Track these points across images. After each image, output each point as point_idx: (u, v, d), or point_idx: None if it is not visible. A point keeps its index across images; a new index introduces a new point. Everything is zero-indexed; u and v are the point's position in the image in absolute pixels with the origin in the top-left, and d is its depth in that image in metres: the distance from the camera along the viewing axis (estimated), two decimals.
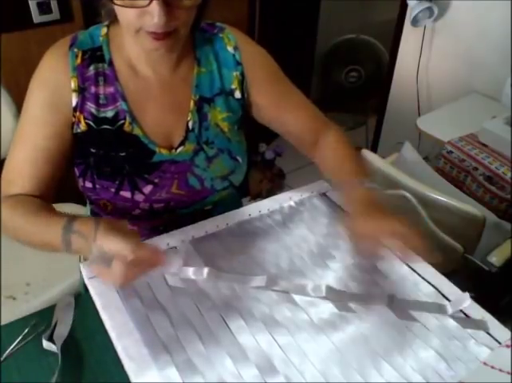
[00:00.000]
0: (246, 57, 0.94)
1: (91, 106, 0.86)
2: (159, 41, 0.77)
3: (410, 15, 2.06)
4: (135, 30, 0.77)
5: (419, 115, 2.18)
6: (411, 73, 2.25)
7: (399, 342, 0.74)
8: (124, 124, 0.87)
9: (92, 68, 0.86)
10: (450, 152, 1.70)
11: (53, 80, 0.84)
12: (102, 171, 0.88)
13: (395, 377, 0.69)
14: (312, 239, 0.92)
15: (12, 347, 0.74)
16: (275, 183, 2.65)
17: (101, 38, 0.87)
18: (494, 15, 1.91)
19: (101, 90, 0.86)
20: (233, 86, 0.94)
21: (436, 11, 2.00)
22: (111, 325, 0.73)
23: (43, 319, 0.78)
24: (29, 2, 1.56)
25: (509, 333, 0.76)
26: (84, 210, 1.55)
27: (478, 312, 0.79)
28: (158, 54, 0.85)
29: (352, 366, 0.70)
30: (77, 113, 0.86)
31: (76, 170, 0.92)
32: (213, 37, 0.93)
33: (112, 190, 0.89)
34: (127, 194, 0.89)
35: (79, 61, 0.85)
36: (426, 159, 1.74)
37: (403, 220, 0.80)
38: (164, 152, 0.90)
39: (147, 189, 0.90)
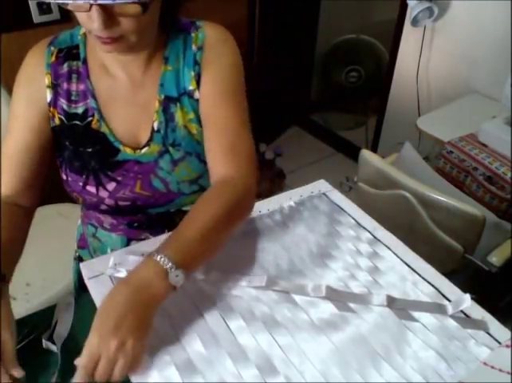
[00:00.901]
0: (207, 57, 0.88)
1: (63, 102, 0.88)
2: (106, 45, 0.78)
3: (410, 15, 2.06)
4: (88, 32, 0.79)
5: (419, 115, 2.18)
6: (411, 73, 2.25)
7: (399, 342, 0.74)
8: (92, 121, 0.89)
9: (65, 65, 0.88)
10: (450, 152, 1.70)
11: (30, 77, 0.89)
12: (73, 164, 0.91)
13: (395, 377, 0.69)
14: (312, 239, 0.92)
15: None
16: (275, 183, 2.65)
17: (79, 37, 0.89)
18: (494, 15, 1.91)
19: (73, 87, 0.89)
20: (191, 87, 0.88)
21: (436, 11, 2.00)
22: None
23: (43, 319, 0.78)
24: (29, 2, 1.56)
25: (509, 333, 0.76)
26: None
27: (478, 312, 0.79)
28: (117, 55, 0.86)
29: (352, 366, 0.70)
30: (51, 108, 0.88)
31: (57, 162, 0.94)
32: (186, 35, 0.91)
33: (80, 184, 0.91)
34: (92, 189, 0.91)
35: (53, 58, 0.88)
36: (426, 159, 1.74)
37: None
38: (129, 151, 0.90)
39: (111, 186, 0.91)
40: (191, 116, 0.89)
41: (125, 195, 0.92)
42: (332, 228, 0.95)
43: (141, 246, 0.88)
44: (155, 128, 0.89)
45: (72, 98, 0.88)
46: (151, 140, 0.90)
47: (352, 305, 0.79)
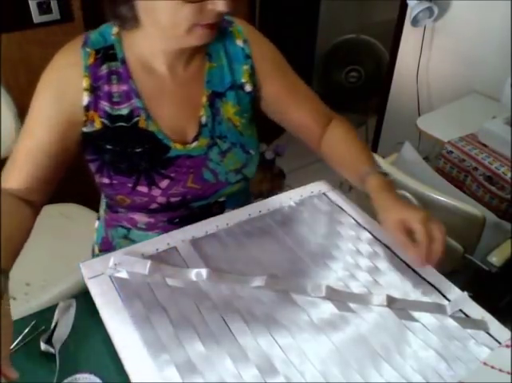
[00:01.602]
0: (255, 50, 0.95)
1: (105, 104, 0.87)
2: (211, 31, 0.80)
3: (410, 15, 2.06)
4: (188, 28, 0.78)
5: (419, 115, 2.18)
6: (411, 72, 2.25)
7: (399, 342, 0.74)
8: (139, 120, 0.89)
9: (104, 67, 0.86)
10: (450, 152, 1.70)
11: (63, 79, 0.85)
12: (118, 167, 0.90)
13: (395, 377, 0.69)
14: (312, 239, 0.92)
15: (12, 347, 0.74)
16: (275, 183, 2.65)
17: (113, 37, 0.88)
18: (494, 15, 1.91)
19: (115, 88, 0.87)
20: (243, 80, 0.95)
21: (436, 11, 2.00)
22: (111, 325, 0.73)
23: (43, 319, 0.78)
24: (29, 2, 1.56)
25: (509, 333, 0.76)
26: (84, 210, 1.56)
27: (478, 312, 0.79)
28: (179, 52, 0.87)
29: (352, 366, 0.70)
30: (90, 112, 0.86)
31: (91, 166, 0.93)
32: (222, 31, 0.94)
33: (129, 185, 0.90)
34: (144, 189, 0.91)
35: (91, 60, 0.85)
36: (426, 159, 1.73)
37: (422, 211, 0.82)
38: (179, 146, 0.92)
39: (164, 184, 0.91)
40: (236, 109, 0.95)
41: (177, 191, 0.93)
42: (332, 228, 0.95)
43: (141, 246, 0.88)
44: (203, 122, 0.93)
45: (114, 100, 0.87)
46: (199, 134, 0.93)
47: (352, 305, 0.79)
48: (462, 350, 0.73)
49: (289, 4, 2.72)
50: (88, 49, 0.86)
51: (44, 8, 1.60)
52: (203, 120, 0.93)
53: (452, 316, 0.79)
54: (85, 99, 0.85)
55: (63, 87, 0.85)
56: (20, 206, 0.84)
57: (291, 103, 1.00)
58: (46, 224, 1.49)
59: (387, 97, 2.45)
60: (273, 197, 1.02)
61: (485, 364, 0.70)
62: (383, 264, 0.87)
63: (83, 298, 0.81)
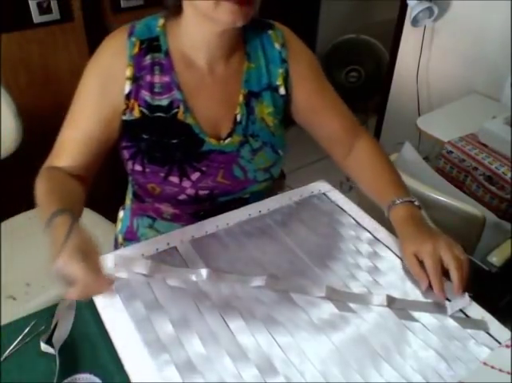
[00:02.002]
0: (291, 55, 0.96)
1: (145, 94, 0.88)
2: (240, 8, 0.79)
3: (410, 15, 2.06)
4: (214, 4, 0.78)
5: (419, 115, 2.18)
6: (411, 73, 2.25)
7: (399, 342, 0.74)
8: (177, 112, 0.90)
9: (148, 57, 0.88)
10: (450, 152, 1.70)
11: (108, 67, 0.88)
12: (153, 156, 0.91)
13: (395, 377, 0.69)
14: (312, 239, 0.92)
15: (12, 347, 0.74)
16: (275, 183, 2.65)
17: (158, 29, 0.89)
18: (494, 15, 1.91)
19: (157, 79, 0.89)
20: (278, 82, 0.96)
21: (436, 11, 2.00)
22: (111, 325, 0.73)
23: (43, 319, 0.78)
24: (29, 2, 1.56)
25: (509, 333, 0.76)
26: (84, 210, 1.55)
27: (478, 312, 0.79)
28: (218, 45, 0.88)
29: (352, 366, 0.70)
30: (131, 101, 0.88)
31: (125, 153, 0.94)
32: (262, 33, 0.96)
33: (162, 175, 0.92)
34: (175, 179, 0.92)
35: (136, 50, 0.87)
36: (426, 159, 1.73)
37: (449, 240, 0.83)
38: (213, 141, 0.93)
39: (195, 176, 0.93)
40: (270, 109, 0.97)
41: (206, 185, 0.94)
42: (332, 228, 0.95)
43: (141, 246, 0.88)
44: (238, 120, 0.95)
45: (156, 90, 0.89)
46: (233, 131, 0.94)
47: (352, 305, 0.79)
48: (462, 350, 0.73)
49: (289, 4, 2.72)
50: (133, 39, 0.87)
51: (44, 8, 1.60)
52: (238, 117, 0.95)
53: (452, 316, 0.79)
54: (127, 87, 0.87)
55: (108, 75, 0.87)
56: (73, 179, 0.88)
57: (321, 109, 1.00)
58: None
59: (387, 97, 2.46)
60: (273, 197, 1.02)
61: (485, 364, 0.70)
62: (383, 264, 0.87)
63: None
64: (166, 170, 0.92)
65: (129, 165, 0.95)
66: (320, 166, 2.92)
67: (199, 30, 0.87)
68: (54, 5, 1.60)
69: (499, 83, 1.84)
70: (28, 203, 1.55)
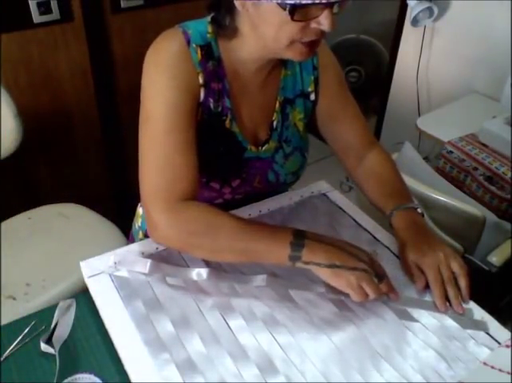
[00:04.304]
0: (321, 63, 0.98)
1: (210, 101, 0.87)
2: (310, 49, 0.80)
3: (410, 15, 2.06)
4: (289, 44, 0.78)
5: (419, 115, 2.18)
6: (411, 73, 2.25)
7: (399, 342, 0.74)
8: (225, 120, 0.90)
9: (210, 64, 0.86)
10: (450, 152, 1.70)
11: (185, 74, 0.83)
12: (199, 161, 0.87)
13: (395, 377, 0.69)
14: None
15: (12, 347, 0.74)
16: None
17: (209, 35, 0.86)
18: (494, 15, 1.91)
19: (216, 86, 0.88)
20: (310, 89, 0.98)
21: (436, 11, 2.00)
22: (111, 325, 0.73)
23: (43, 319, 0.78)
24: (29, 2, 1.56)
25: (508, 333, 0.76)
26: (84, 210, 1.55)
27: (478, 312, 0.79)
28: (270, 60, 0.88)
29: (352, 366, 0.70)
30: (200, 108, 0.86)
31: None
32: None
33: (203, 180, 0.91)
34: (216, 185, 0.93)
35: (199, 56, 0.85)
36: (426, 159, 1.74)
37: (450, 250, 0.84)
38: (254, 149, 0.94)
39: (235, 183, 0.94)
40: (302, 115, 0.99)
41: (244, 190, 0.96)
42: (332, 229, 0.95)
43: (141, 245, 0.88)
44: (274, 127, 0.96)
45: (216, 97, 0.88)
46: (269, 137, 0.96)
47: (352, 304, 0.79)
48: (462, 350, 0.73)
49: None
50: (194, 45, 0.84)
51: (44, 8, 1.60)
52: (274, 124, 0.96)
53: (452, 316, 0.79)
54: (202, 95, 0.86)
55: (187, 81, 0.83)
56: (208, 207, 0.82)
57: (341, 118, 1.01)
58: (46, 224, 1.50)
59: (387, 97, 2.46)
60: (273, 197, 1.02)
61: (485, 364, 0.70)
62: (382, 264, 0.87)
63: (83, 298, 0.81)
64: (208, 176, 0.91)
65: None
66: (321, 166, 2.92)
67: (254, 51, 0.85)
68: (54, 5, 1.60)
69: (499, 83, 1.84)
70: (28, 203, 1.56)
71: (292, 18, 0.73)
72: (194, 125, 0.84)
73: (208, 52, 0.86)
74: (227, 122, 0.90)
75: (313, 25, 0.75)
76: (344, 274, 0.74)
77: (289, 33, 0.76)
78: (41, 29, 1.62)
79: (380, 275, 0.77)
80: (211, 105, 0.87)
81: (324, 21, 0.74)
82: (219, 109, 0.88)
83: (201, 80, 0.84)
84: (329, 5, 0.73)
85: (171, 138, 0.80)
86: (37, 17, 1.60)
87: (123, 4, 1.71)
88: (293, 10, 0.72)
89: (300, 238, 0.76)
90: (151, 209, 0.79)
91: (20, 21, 1.58)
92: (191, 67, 0.83)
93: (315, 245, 0.75)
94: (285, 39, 0.77)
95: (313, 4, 0.72)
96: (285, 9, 0.72)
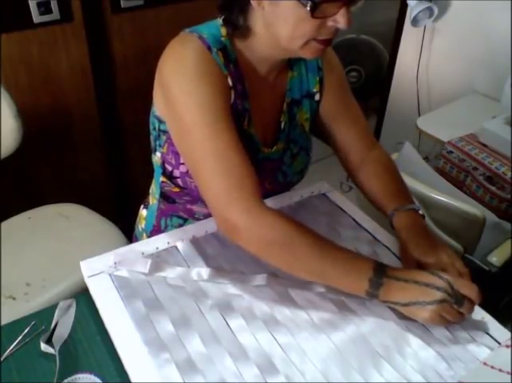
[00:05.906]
0: (326, 64, 0.99)
1: (239, 103, 0.87)
2: (324, 47, 0.80)
3: (410, 15, 2.06)
4: (305, 42, 0.78)
5: (419, 115, 2.18)
6: (411, 73, 2.25)
7: (399, 342, 0.74)
8: (243, 121, 0.90)
9: (231, 66, 0.85)
10: (450, 152, 1.70)
11: (216, 77, 0.82)
12: None
13: (395, 377, 0.69)
14: None
15: (12, 347, 0.74)
16: None
17: (223, 39, 0.85)
18: (494, 15, 1.91)
19: (240, 87, 0.87)
20: (315, 89, 0.99)
21: (436, 11, 2.00)
22: (111, 325, 0.73)
23: (43, 319, 0.78)
24: (29, 2, 1.56)
25: (508, 333, 0.76)
26: (84, 210, 1.56)
27: (478, 312, 0.79)
28: (283, 60, 0.89)
29: (352, 366, 0.70)
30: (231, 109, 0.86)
31: (178, 156, 0.90)
32: None
33: None
34: None
35: (222, 59, 0.84)
36: (426, 159, 1.73)
37: (451, 252, 0.84)
38: (266, 150, 0.95)
39: None
40: (307, 115, 1.00)
41: None
42: (332, 229, 0.95)
43: (141, 245, 0.88)
44: (282, 128, 0.96)
45: (241, 99, 0.88)
46: (278, 138, 0.96)
47: (352, 305, 0.79)
48: (462, 350, 0.73)
49: None
50: (214, 49, 0.83)
51: (44, 8, 1.60)
52: (282, 125, 0.96)
53: None
54: (232, 97, 0.85)
55: (220, 84, 0.82)
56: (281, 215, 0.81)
57: (342, 118, 1.01)
58: (46, 224, 1.50)
59: (387, 97, 2.46)
60: (274, 197, 1.02)
61: (485, 364, 0.70)
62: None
63: (83, 298, 0.81)
64: None
65: (180, 168, 0.92)
66: (321, 166, 2.92)
67: (266, 50, 0.86)
68: (54, 5, 1.60)
69: (499, 83, 1.83)
70: (28, 203, 1.56)
71: (312, 15, 0.73)
72: (234, 125, 0.82)
73: (226, 55, 0.85)
74: (245, 123, 0.90)
75: (330, 23, 0.76)
76: (422, 310, 0.73)
77: (305, 31, 0.76)
78: (41, 29, 1.62)
79: (459, 299, 0.73)
80: (239, 107, 0.87)
81: (340, 19, 0.75)
82: (240, 110, 0.89)
83: (230, 83, 0.84)
84: (347, 3, 0.74)
85: (221, 141, 0.78)
86: (37, 17, 1.60)
87: (123, 4, 1.70)
88: (314, 7, 0.72)
89: (379, 276, 0.74)
90: (227, 211, 0.77)
91: (20, 21, 1.58)
92: (219, 71, 0.82)
93: (392, 284, 0.74)
94: (300, 37, 0.77)
95: (334, 0, 0.73)
96: (305, 6, 0.72)
